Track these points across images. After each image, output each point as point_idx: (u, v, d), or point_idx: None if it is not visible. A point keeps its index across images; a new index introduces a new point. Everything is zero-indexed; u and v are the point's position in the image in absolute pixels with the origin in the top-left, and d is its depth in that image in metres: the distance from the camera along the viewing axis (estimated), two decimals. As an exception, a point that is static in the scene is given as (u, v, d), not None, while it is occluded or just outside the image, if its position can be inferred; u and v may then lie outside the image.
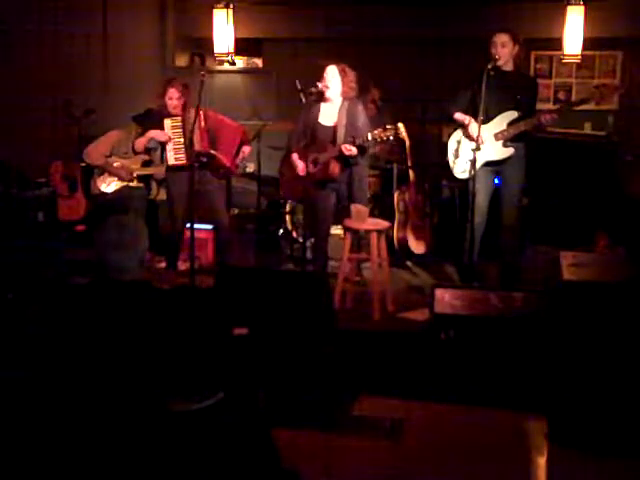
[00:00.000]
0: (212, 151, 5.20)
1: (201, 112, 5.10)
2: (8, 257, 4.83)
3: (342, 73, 4.92)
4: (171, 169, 5.27)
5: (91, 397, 2.35)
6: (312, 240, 5.35)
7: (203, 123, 5.17)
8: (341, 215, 5.09)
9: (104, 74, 6.81)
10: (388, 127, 4.76)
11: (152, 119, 5.40)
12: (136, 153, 5.64)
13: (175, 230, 5.38)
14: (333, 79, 4.91)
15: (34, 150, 5.97)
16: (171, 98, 5.20)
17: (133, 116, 5.86)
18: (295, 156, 5.09)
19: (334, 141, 4.94)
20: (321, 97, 4.98)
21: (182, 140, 5.17)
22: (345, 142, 4.87)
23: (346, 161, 4.93)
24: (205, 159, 5.15)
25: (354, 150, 4.84)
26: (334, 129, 4.96)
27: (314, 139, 4.99)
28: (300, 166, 5.03)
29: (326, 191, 5.03)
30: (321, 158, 4.95)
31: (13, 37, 5.84)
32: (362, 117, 4.99)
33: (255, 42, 7.87)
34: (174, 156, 5.20)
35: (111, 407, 2.34)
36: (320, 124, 5.01)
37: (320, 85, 4.91)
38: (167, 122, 5.23)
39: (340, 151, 4.85)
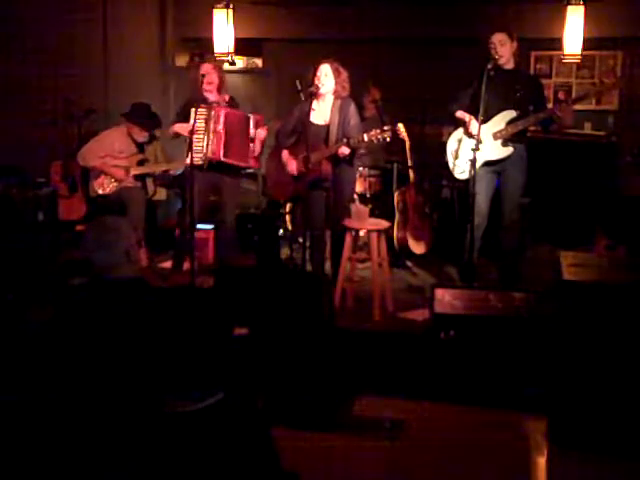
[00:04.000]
0: (225, 159, 5.08)
1: (221, 112, 5.02)
2: (8, 257, 4.83)
3: (335, 72, 4.88)
4: (190, 167, 5.11)
5: (91, 397, 2.35)
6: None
7: (222, 127, 5.01)
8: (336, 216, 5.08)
9: (104, 74, 6.81)
10: (385, 128, 4.72)
11: (184, 108, 5.23)
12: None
13: (188, 229, 5.24)
14: (326, 77, 4.87)
15: (34, 150, 5.97)
16: (207, 73, 5.03)
17: (122, 114, 5.84)
18: (285, 154, 5.06)
19: (326, 140, 4.92)
20: (314, 95, 4.94)
21: (203, 137, 4.97)
22: (338, 142, 4.85)
23: (335, 160, 4.91)
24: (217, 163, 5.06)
25: (347, 151, 4.82)
26: (326, 128, 4.94)
27: (305, 138, 4.90)
28: (291, 165, 5.01)
29: (318, 191, 5.01)
30: (313, 158, 4.87)
31: (13, 37, 5.84)
32: (354, 117, 4.96)
33: (255, 42, 7.87)
34: (193, 155, 4.98)
35: (111, 407, 2.34)
36: (312, 123, 4.95)
37: (311, 76, 4.89)
38: (192, 111, 5.00)
39: (334, 152, 4.83)
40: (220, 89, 5.15)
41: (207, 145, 4.97)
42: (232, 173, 5.28)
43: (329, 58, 4.94)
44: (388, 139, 4.75)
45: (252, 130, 5.15)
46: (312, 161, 4.86)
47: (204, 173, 5.04)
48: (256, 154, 5.22)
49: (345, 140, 4.80)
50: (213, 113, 5.03)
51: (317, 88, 4.87)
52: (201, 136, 5.01)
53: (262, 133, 5.21)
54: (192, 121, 5.00)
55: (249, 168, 5.40)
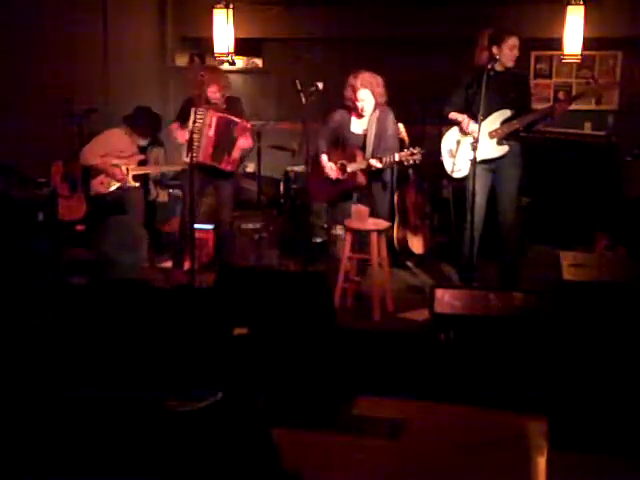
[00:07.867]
0: (212, 163, 5.22)
1: (214, 117, 5.15)
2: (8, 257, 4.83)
3: (373, 92, 5.05)
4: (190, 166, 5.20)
5: (91, 396, 2.36)
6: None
7: (212, 132, 5.14)
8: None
9: (104, 74, 6.81)
10: (415, 151, 4.88)
11: (185, 107, 5.39)
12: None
13: (186, 228, 5.35)
14: (366, 102, 5.08)
15: (34, 150, 5.96)
16: (211, 85, 5.23)
17: (124, 116, 5.89)
18: (324, 158, 5.24)
19: (363, 148, 5.13)
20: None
21: (198, 137, 5.12)
22: (373, 153, 5.06)
23: (373, 173, 5.11)
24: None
25: (379, 165, 5.00)
26: (364, 137, 5.16)
27: (344, 146, 5.18)
28: (329, 167, 5.18)
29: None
30: (350, 167, 5.12)
31: (13, 36, 5.84)
32: (391, 127, 5.17)
33: (255, 42, 7.87)
34: (193, 155, 5.05)
35: (111, 406, 2.34)
36: (352, 132, 5.21)
37: (350, 99, 5.07)
38: (192, 111, 5.11)
39: (368, 165, 5.03)
40: (224, 94, 5.31)
41: (199, 147, 5.12)
42: (224, 173, 5.35)
43: (364, 77, 5.06)
44: (417, 162, 4.92)
45: (235, 136, 5.25)
46: (348, 170, 5.12)
47: (201, 173, 5.17)
48: (232, 159, 5.31)
49: (378, 157, 5.00)
50: (208, 116, 5.16)
51: (362, 112, 5.11)
52: (198, 136, 5.14)
53: (244, 142, 5.32)
54: (191, 122, 5.08)
55: (225, 171, 5.41)
